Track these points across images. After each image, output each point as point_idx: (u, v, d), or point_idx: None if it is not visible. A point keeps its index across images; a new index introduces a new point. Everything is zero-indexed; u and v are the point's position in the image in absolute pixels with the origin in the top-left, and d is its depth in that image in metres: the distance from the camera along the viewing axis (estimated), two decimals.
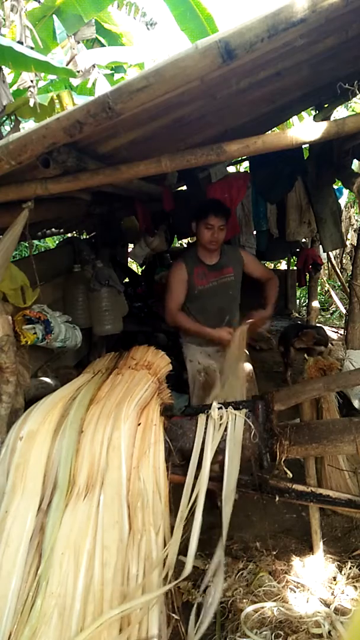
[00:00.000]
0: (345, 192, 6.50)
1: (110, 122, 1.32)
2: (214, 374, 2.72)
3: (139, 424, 1.63)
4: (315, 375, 2.47)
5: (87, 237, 4.49)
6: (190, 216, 2.67)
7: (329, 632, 1.85)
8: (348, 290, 3.72)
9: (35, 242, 7.61)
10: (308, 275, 4.90)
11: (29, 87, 3.99)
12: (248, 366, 2.81)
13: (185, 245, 7.86)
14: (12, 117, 3.94)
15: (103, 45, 6.49)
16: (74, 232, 4.68)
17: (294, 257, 5.58)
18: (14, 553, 1.37)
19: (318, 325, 4.46)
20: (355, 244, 3.11)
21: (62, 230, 4.35)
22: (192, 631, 1.30)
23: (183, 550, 2.40)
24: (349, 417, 2.37)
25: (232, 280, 2.75)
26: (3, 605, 1.29)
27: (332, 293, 7.17)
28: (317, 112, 3.23)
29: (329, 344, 3.92)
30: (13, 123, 3.98)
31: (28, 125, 5.03)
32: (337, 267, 6.99)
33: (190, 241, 6.92)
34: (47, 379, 2.13)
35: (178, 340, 2.92)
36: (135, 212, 3.71)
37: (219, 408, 1.82)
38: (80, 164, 1.57)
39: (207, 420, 1.76)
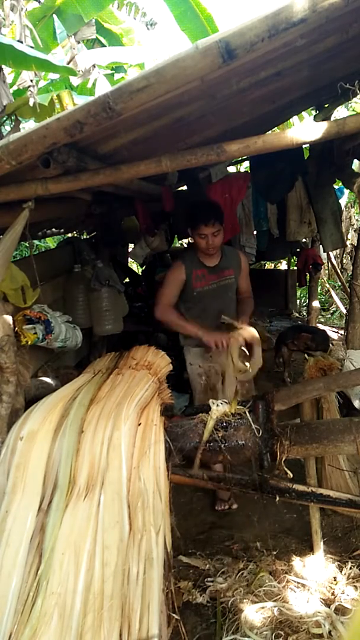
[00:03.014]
0: (346, 192, 6.50)
1: (111, 122, 1.32)
2: (215, 377, 2.69)
3: (140, 424, 1.63)
4: (316, 375, 2.47)
5: (88, 237, 4.49)
6: (184, 222, 2.62)
7: (330, 632, 1.85)
8: (348, 290, 3.72)
9: (36, 242, 7.61)
10: (308, 275, 4.90)
11: (29, 86, 4.00)
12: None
13: (185, 245, 7.85)
14: (12, 117, 3.94)
15: (103, 45, 6.49)
16: (75, 232, 4.68)
17: (294, 257, 5.58)
18: (14, 553, 1.37)
19: (320, 329, 4.46)
20: (355, 244, 3.11)
21: (62, 230, 4.35)
22: None
23: (183, 550, 2.41)
24: (349, 417, 2.37)
25: (232, 282, 2.71)
26: (3, 605, 1.29)
27: (333, 293, 7.17)
28: (318, 112, 3.23)
29: (330, 345, 3.92)
30: (13, 123, 3.98)
31: (28, 125, 5.03)
32: (337, 267, 6.99)
33: (190, 241, 6.91)
34: (48, 379, 2.13)
35: (178, 342, 2.89)
36: (135, 212, 3.72)
37: (218, 406, 1.82)
38: (81, 164, 1.57)
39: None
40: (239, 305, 2.77)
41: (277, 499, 1.92)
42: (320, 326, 5.34)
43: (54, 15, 5.26)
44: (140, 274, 6.06)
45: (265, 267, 8.31)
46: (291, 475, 1.85)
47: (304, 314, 6.33)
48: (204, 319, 2.65)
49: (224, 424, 1.78)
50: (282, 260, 7.76)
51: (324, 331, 4.22)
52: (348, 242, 7.67)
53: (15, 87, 4.67)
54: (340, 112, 6.94)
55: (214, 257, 2.62)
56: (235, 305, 2.77)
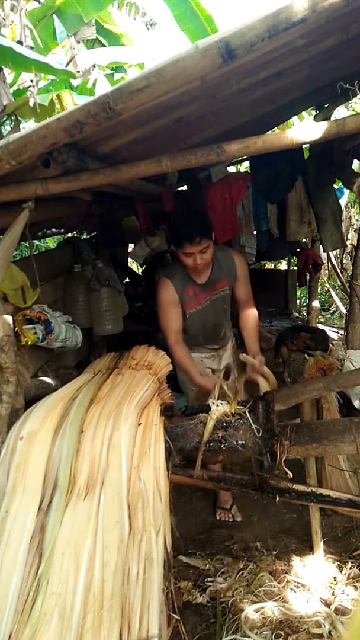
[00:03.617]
0: (346, 192, 6.50)
1: (111, 122, 1.32)
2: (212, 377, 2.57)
3: (140, 424, 1.63)
4: (316, 375, 2.47)
5: (88, 237, 4.49)
6: (170, 239, 2.41)
7: (330, 632, 1.85)
8: (348, 290, 3.72)
9: (36, 242, 7.60)
10: (308, 275, 4.90)
11: (29, 87, 3.99)
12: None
13: None
14: (12, 117, 3.94)
15: (103, 45, 6.49)
16: (75, 232, 4.68)
17: (294, 257, 5.58)
18: (14, 553, 1.37)
19: (320, 329, 4.46)
20: (355, 244, 3.11)
21: (62, 230, 4.35)
22: None
23: (183, 550, 2.41)
24: (349, 417, 2.37)
25: (225, 295, 2.50)
26: (3, 605, 1.29)
27: (333, 293, 7.17)
28: (318, 112, 3.22)
29: (330, 344, 3.93)
30: (13, 123, 3.97)
31: (28, 125, 5.03)
32: (337, 267, 6.99)
33: None
34: (48, 379, 2.13)
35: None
36: (135, 212, 3.72)
37: (218, 406, 1.82)
38: (81, 164, 1.57)
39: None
40: (245, 330, 2.54)
41: (277, 499, 1.92)
42: (320, 326, 5.34)
43: (54, 15, 5.25)
44: (140, 274, 6.06)
45: (265, 267, 8.31)
46: (291, 475, 1.86)
47: (304, 314, 6.33)
48: (199, 336, 2.55)
49: (224, 424, 1.78)
50: (282, 260, 7.76)
51: (323, 331, 4.22)
52: (348, 242, 7.67)
53: (15, 87, 4.66)
54: (340, 112, 6.94)
55: (203, 273, 2.40)
56: (229, 315, 2.62)
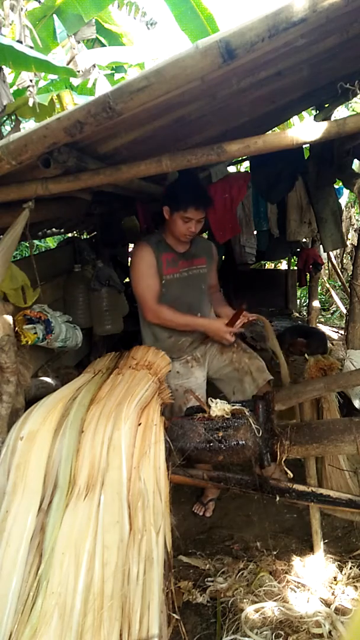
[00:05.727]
0: (346, 192, 6.50)
1: (111, 122, 1.32)
2: (182, 397, 2.38)
3: (140, 424, 1.63)
4: (316, 375, 2.47)
5: (88, 237, 4.49)
6: (163, 199, 2.34)
7: (330, 632, 1.85)
8: (348, 290, 3.72)
9: (36, 242, 7.60)
10: (308, 275, 4.90)
11: (28, 86, 4.00)
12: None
13: None
14: (12, 117, 3.93)
15: (103, 45, 6.49)
16: (75, 232, 4.68)
17: (295, 257, 5.59)
18: (14, 553, 1.37)
19: (318, 331, 4.45)
20: (355, 244, 3.11)
21: (62, 230, 4.35)
22: None
23: (183, 550, 2.41)
24: (350, 417, 2.37)
25: (204, 273, 2.48)
26: (3, 605, 1.29)
27: (333, 293, 7.18)
28: (318, 112, 3.22)
29: (329, 345, 3.94)
30: (13, 123, 3.97)
31: (28, 125, 5.03)
32: (337, 267, 7.00)
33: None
34: (48, 379, 2.13)
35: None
36: (135, 212, 3.72)
37: (217, 404, 1.82)
38: (81, 164, 1.57)
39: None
40: (217, 302, 2.63)
41: (277, 499, 1.92)
42: (321, 326, 5.34)
43: (54, 15, 5.26)
44: None
45: (265, 267, 8.31)
46: (291, 475, 1.86)
47: (304, 313, 6.33)
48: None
49: (224, 424, 1.78)
50: (282, 260, 7.76)
51: (321, 334, 4.22)
52: (348, 242, 7.68)
53: (15, 87, 4.66)
54: (340, 112, 6.94)
55: (184, 243, 2.40)
56: (209, 302, 2.57)
